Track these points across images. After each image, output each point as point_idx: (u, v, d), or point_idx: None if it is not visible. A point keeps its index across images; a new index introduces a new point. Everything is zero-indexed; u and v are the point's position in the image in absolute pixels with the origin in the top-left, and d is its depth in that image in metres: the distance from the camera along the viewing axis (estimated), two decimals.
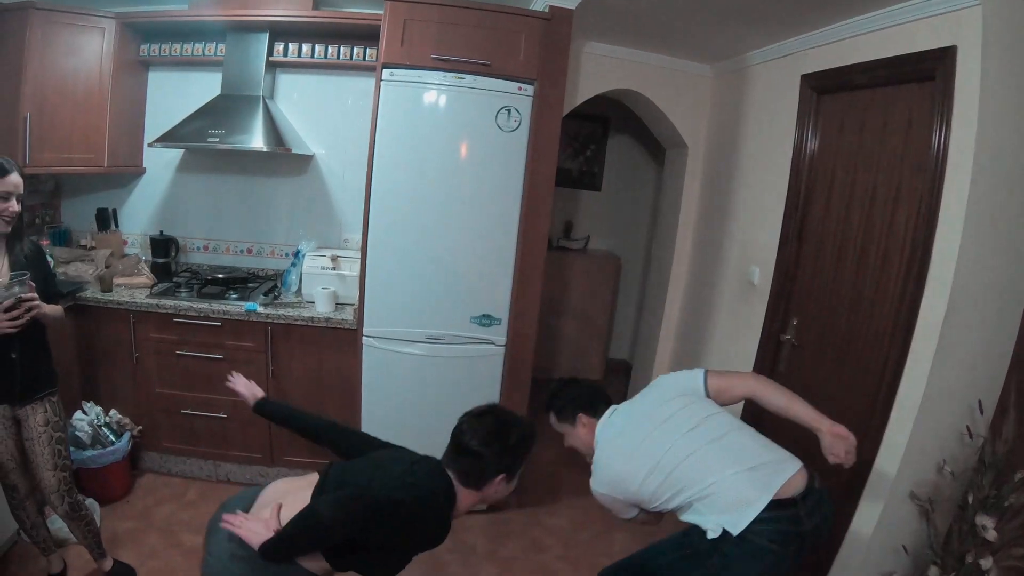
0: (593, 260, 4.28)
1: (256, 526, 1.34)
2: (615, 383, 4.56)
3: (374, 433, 2.50)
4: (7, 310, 1.68)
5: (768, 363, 2.44)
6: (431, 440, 2.51)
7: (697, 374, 1.78)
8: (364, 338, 2.47)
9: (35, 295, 1.73)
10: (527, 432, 1.54)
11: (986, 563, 1.86)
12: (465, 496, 1.51)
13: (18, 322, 1.70)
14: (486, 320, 2.48)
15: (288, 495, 1.45)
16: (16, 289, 1.68)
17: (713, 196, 3.10)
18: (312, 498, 1.42)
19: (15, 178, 1.71)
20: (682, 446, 1.62)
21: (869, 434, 1.96)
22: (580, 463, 3.28)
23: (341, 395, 2.59)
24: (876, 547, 2.03)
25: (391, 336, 2.46)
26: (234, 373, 1.81)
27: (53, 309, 1.85)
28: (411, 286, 2.41)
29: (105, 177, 2.81)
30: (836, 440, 1.56)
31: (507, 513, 2.87)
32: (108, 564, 2.13)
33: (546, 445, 3.22)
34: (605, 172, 4.51)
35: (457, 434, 1.53)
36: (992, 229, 1.77)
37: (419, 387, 2.54)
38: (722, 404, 1.76)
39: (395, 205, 2.34)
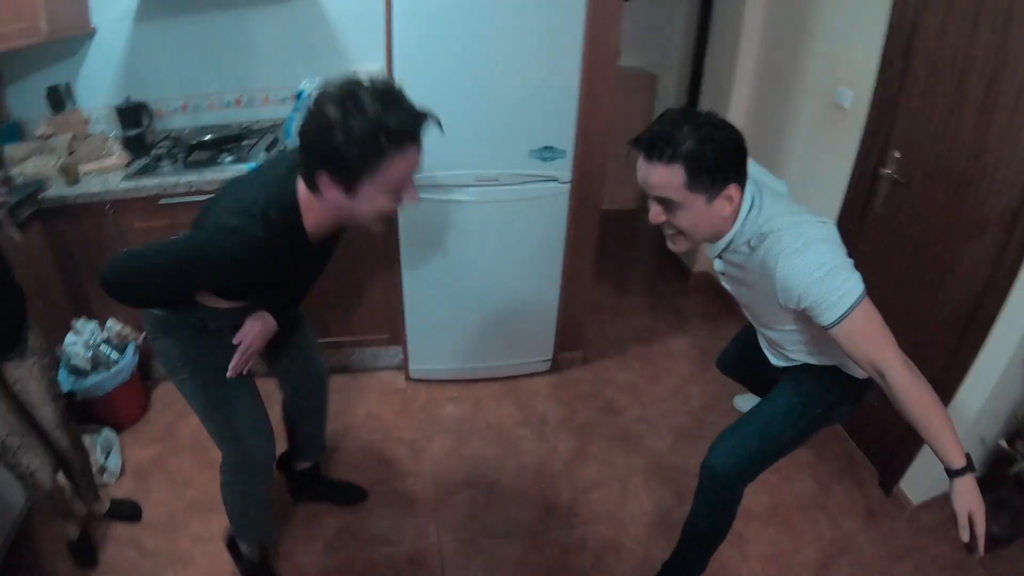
0: (625, 79, 3.86)
1: None
2: None
3: (420, 292, 2.34)
4: None
5: (862, 200, 2.20)
6: (488, 295, 2.39)
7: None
8: None
9: None
10: (382, 116, 1.03)
11: None
12: (315, 207, 1.18)
13: None
14: (548, 153, 2.14)
15: None
16: None
17: (786, 1, 2.65)
18: None
19: None
20: None
21: (992, 291, 1.79)
22: (639, 303, 3.34)
23: (375, 260, 2.33)
24: (987, 410, 1.91)
25: (434, 183, 2.13)
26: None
27: None
28: (453, 119, 2.01)
29: (48, 48, 2.28)
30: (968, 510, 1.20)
31: (574, 371, 2.75)
32: (104, 506, 1.96)
33: (599, 286, 3.15)
34: None
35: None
36: None
37: (470, 239, 2.26)
38: (814, 337, 1.40)
39: (424, 22, 1.89)
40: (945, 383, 1.95)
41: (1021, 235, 1.70)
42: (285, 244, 1.20)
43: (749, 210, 1.25)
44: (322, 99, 1.05)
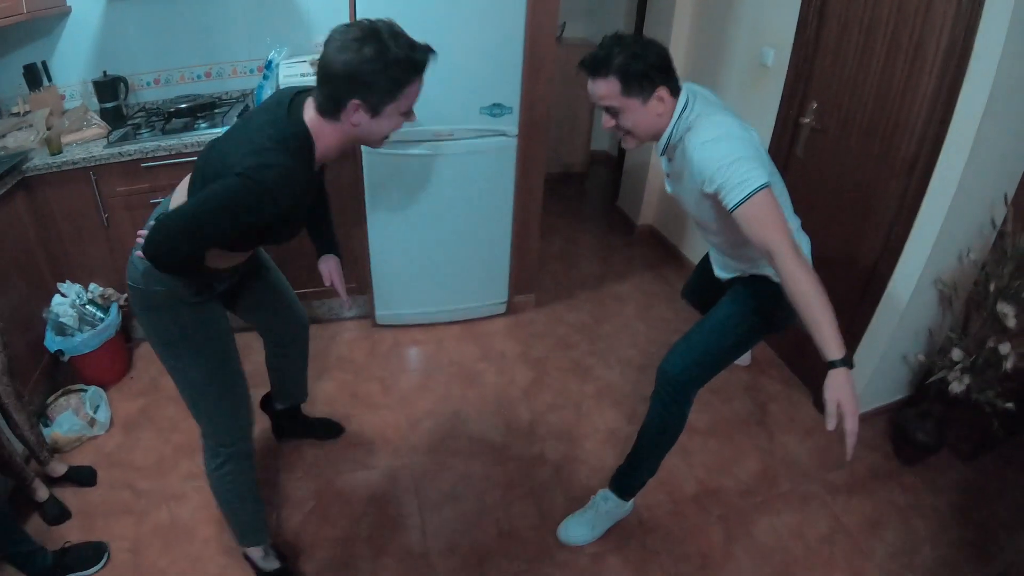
0: (570, 49, 3.92)
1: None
2: (600, 173, 4.59)
3: (384, 243, 2.47)
4: None
5: (785, 146, 2.42)
6: (445, 243, 2.57)
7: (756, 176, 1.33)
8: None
9: None
10: (404, 50, 1.22)
11: (1004, 348, 1.96)
12: (328, 132, 1.29)
13: None
14: (497, 110, 2.32)
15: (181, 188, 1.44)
16: None
17: None
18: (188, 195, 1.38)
19: None
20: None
21: (900, 220, 2.03)
22: (589, 254, 3.55)
23: (342, 214, 2.44)
24: (903, 331, 2.15)
25: (393, 138, 2.26)
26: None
27: None
28: None
29: (24, 28, 2.37)
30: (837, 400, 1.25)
31: (528, 314, 2.95)
32: (61, 468, 1.99)
33: (547, 241, 3.36)
34: None
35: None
36: None
37: (428, 191, 2.44)
38: (729, 226, 1.49)
39: None
40: (863, 307, 2.17)
41: (921, 171, 1.94)
42: (305, 170, 1.30)
43: (682, 110, 1.46)
44: (351, 39, 1.18)
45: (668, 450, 1.79)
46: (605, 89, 1.43)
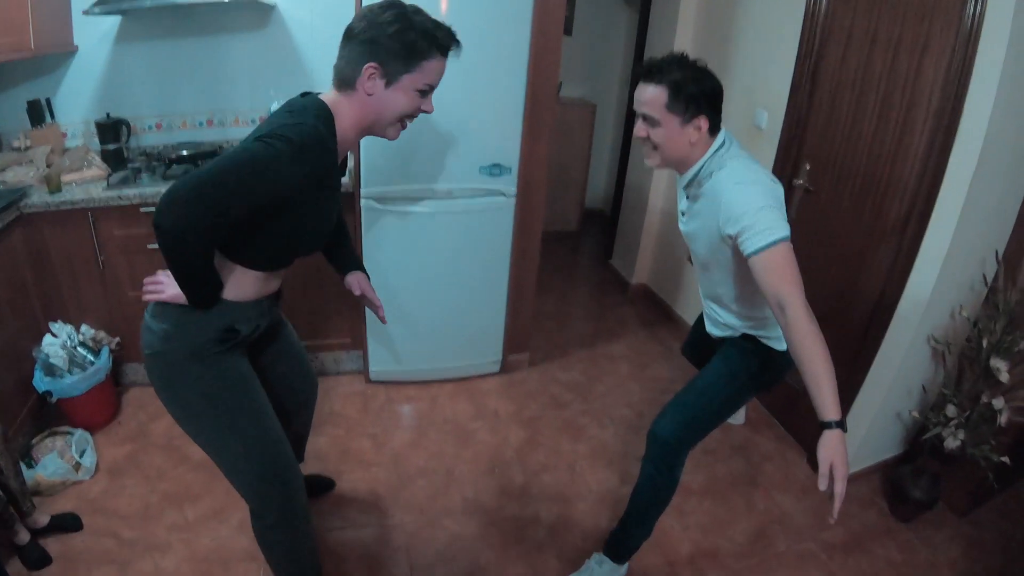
0: (567, 108, 4.12)
1: (160, 276, 1.31)
2: (592, 232, 4.63)
3: (380, 299, 2.48)
4: None
5: None
6: (441, 301, 2.56)
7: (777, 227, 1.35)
8: (362, 200, 2.32)
9: None
10: (426, 23, 1.23)
11: (998, 403, 1.97)
12: (345, 109, 1.26)
13: None
14: (496, 170, 2.35)
15: None
16: None
17: (712, 37, 2.92)
18: None
19: None
20: None
21: (892, 280, 2.06)
22: (582, 313, 3.55)
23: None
24: (898, 386, 2.16)
25: (393, 196, 2.32)
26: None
27: None
28: (413, 138, 2.17)
29: (30, 64, 2.40)
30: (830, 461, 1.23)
31: (521, 372, 2.94)
32: (43, 520, 1.91)
33: (540, 299, 3.32)
34: (576, 15, 4.21)
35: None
36: None
37: (425, 248, 2.44)
38: (738, 275, 1.55)
39: None
40: (859, 365, 2.19)
41: (913, 230, 1.97)
42: (331, 140, 1.23)
43: (719, 147, 1.48)
44: (375, 7, 1.22)
45: (661, 512, 1.77)
46: (652, 95, 1.44)
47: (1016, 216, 2.01)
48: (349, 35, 1.24)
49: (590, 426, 2.60)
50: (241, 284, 1.32)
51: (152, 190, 2.21)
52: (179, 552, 1.93)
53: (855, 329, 2.21)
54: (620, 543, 1.84)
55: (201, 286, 1.25)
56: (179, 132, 2.67)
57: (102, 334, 2.33)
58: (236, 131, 2.71)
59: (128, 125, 2.51)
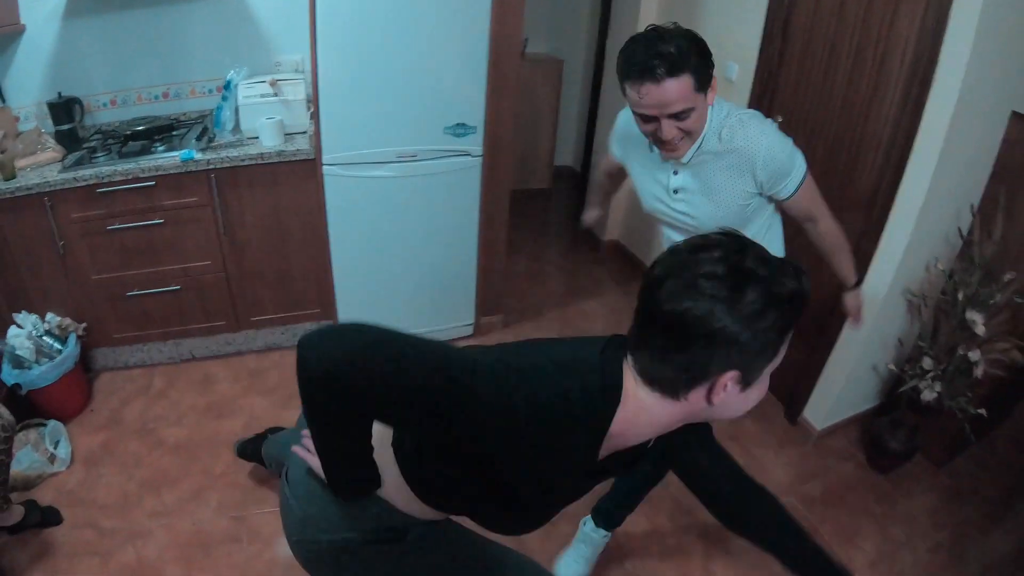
0: (534, 65, 4.04)
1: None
2: (563, 189, 4.57)
3: (348, 266, 2.35)
4: None
5: None
6: (411, 265, 2.51)
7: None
8: (325, 167, 2.26)
9: None
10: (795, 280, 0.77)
11: (974, 355, 1.98)
12: (644, 405, 0.83)
13: None
14: (461, 129, 2.30)
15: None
16: None
17: None
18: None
19: None
20: None
21: (868, 234, 2.04)
22: (555, 271, 3.48)
23: (304, 237, 2.44)
24: (873, 341, 2.17)
25: (356, 160, 2.26)
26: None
27: None
28: (374, 101, 2.17)
29: None
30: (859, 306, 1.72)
31: (495, 334, 2.94)
32: (17, 514, 1.85)
33: (512, 259, 3.29)
34: None
35: (651, 285, 0.79)
36: (1003, 35, 1.71)
37: (392, 213, 2.40)
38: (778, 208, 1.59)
39: (345, 12, 2.02)
40: (835, 318, 2.19)
41: (888, 183, 1.95)
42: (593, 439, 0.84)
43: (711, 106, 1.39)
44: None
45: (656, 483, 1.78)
46: (679, 89, 1.25)
47: (991, 168, 2.00)
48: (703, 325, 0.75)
49: None
50: (402, 495, 0.99)
51: (108, 169, 2.14)
52: (160, 538, 1.92)
53: (833, 281, 2.19)
54: (615, 512, 1.82)
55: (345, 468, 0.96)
56: (135, 107, 2.58)
57: (68, 321, 2.28)
58: (193, 102, 2.64)
59: (81, 104, 2.41)
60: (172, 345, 2.55)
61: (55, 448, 2.11)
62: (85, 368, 2.46)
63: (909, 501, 2.18)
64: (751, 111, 1.46)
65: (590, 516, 1.85)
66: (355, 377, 0.77)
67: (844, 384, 2.22)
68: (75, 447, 2.20)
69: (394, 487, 0.98)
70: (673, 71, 1.24)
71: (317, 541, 1.02)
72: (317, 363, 0.77)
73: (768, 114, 2.30)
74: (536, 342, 0.93)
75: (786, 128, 2.23)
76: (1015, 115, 1.93)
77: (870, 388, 2.35)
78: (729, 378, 0.78)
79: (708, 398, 0.80)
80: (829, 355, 2.24)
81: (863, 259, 2.06)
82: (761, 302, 0.73)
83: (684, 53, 1.23)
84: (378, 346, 0.79)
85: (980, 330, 1.95)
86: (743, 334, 0.73)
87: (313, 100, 2.14)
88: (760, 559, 1.89)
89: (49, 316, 2.25)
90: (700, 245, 0.78)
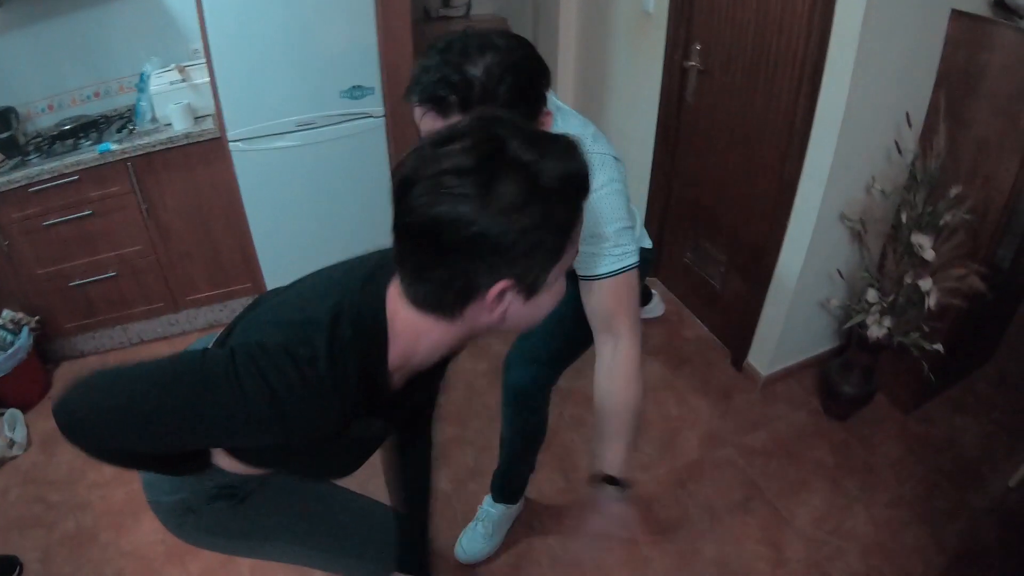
0: (477, 25, 3.91)
1: None
2: None
3: (270, 241, 2.40)
4: None
5: (675, 93, 2.29)
6: (331, 232, 2.50)
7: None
8: (230, 144, 2.29)
9: None
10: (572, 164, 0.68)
11: (925, 284, 1.77)
12: (410, 334, 0.77)
13: None
14: (358, 92, 2.28)
15: None
16: None
17: None
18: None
19: None
20: None
21: (791, 156, 1.89)
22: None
23: (225, 215, 2.47)
24: (810, 274, 1.98)
25: (258, 134, 2.28)
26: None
27: None
28: (266, 73, 2.18)
29: None
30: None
31: None
32: None
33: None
34: None
35: (398, 192, 0.69)
36: None
37: (303, 181, 2.41)
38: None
39: None
40: (768, 248, 2.01)
41: (806, 96, 1.78)
42: (357, 395, 0.76)
43: None
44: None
45: (539, 448, 1.68)
46: None
47: (934, 78, 1.78)
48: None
49: (495, 343, 2.44)
50: (223, 459, 0.97)
51: (36, 169, 2.25)
52: (97, 508, 2.02)
53: (761, 211, 2.03)
54: (506, 486, 1.76)
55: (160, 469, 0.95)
56: (70, 109, 2.67)
57: (21, 315, 2.41)
58: (123, 98, 2.70)
59: (16, 112, 2.53)
60: (120, 330, 2.65)
61: (13, 433, 2.26)
62: (44, 359, 2.59)
63: (869, 451, 1.99)
64: (604, 152, 1.14)
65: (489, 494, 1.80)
66: (102, 430, 0.74)
67: (785, 324, 2.03)
68: (33, 432, 2.33)
69: (217, 452, 0.96)
70: (467, 105, 0.97)
71: (160, 503, 1.04)
72: (65, 427, 0.73)
73: (687, 43, 2.17)
74: (295, 288, 0.92)
75: (704, 55, 2.15)
76: (955, 13, 1.70)
77: (822, 328, 2.15)
78: (502, 288, 0.68)
79: (489, 313, 0.71)
80: (767, 292, 2.06)
81: (790, 181, 1.89)
82: (521, 195, 0.63)
83: (492, 83, 0.95)
84: (108, 396, 0.74)
85: (929, 255, 1.74)
86: (505, 236, 0.63)
87: (210, 79, 2.17)
88: (685, 515, 1.79)
89: (5, 312, 2.39)
90: (447, 136, 0.68)
